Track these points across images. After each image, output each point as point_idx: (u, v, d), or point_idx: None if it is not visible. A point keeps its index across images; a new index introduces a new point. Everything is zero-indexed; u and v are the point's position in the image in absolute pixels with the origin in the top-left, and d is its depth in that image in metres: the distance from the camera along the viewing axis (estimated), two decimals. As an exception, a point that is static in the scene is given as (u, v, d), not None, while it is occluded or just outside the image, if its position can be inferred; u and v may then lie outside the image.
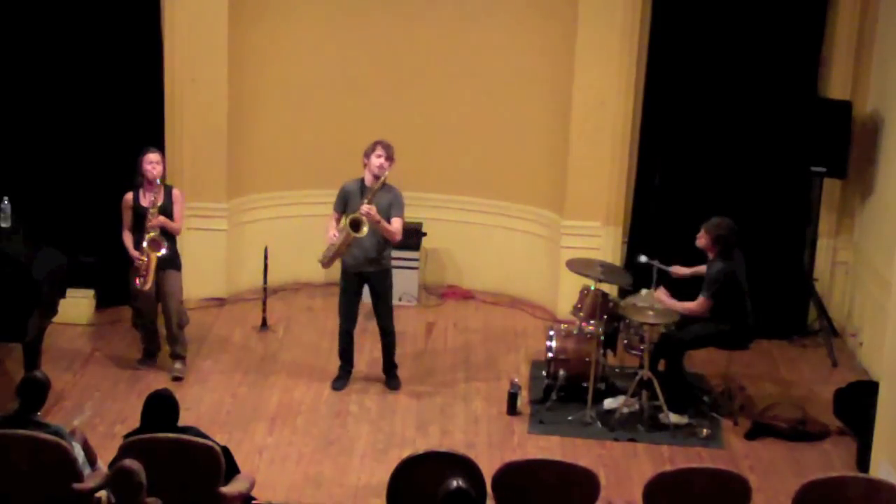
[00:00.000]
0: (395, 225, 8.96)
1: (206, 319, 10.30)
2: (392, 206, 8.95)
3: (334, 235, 8.97)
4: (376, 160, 8.89)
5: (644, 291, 9.04)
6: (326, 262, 9.13)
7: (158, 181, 9.02)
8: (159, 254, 8.99)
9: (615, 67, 10.25)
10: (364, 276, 9.11)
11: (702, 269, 8.96)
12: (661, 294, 8.92)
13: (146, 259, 8.99)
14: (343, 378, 9.36)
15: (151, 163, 9.04)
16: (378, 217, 8.84)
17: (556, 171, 10.61)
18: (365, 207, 8.81)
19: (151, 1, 10.08)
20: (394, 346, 9.37)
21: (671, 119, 10.30)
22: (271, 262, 10.29)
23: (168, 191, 9.14)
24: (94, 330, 10.06)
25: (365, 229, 8.82)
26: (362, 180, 9.01)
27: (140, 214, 9.05)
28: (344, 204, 9.04)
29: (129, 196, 9.13)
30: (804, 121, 10.03)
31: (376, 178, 8.91)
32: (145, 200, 9.07)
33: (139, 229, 9.05)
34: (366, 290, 9.25)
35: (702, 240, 8.82)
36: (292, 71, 10.74)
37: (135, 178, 9.09)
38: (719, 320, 8.80)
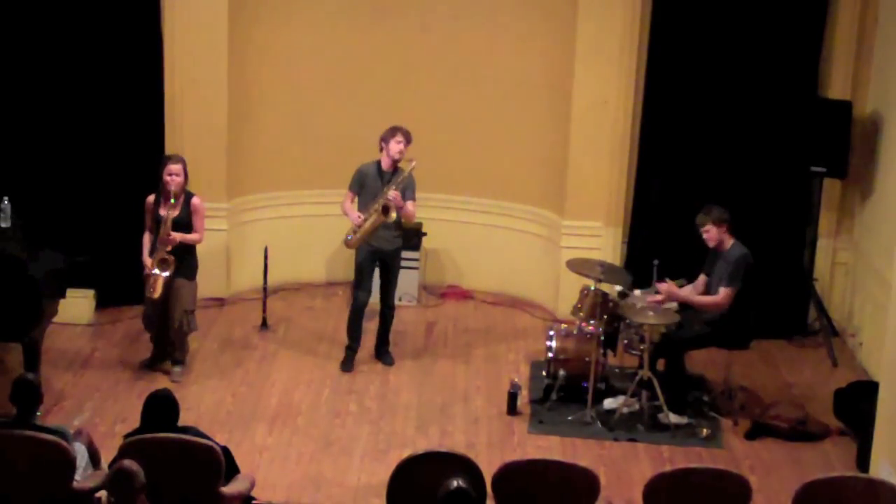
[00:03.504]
0: (411, 207, 9.34)
1: (206, 319, 10.29)
2: (407, 190, 9.28)
3: (359, 217, 9.22)
4: (396, 146, 9.21)
5: (638, 292, 9.04)
6: (353, 243, 9.38)
7: (173, 200, 8.92)
8: (165, 274, 8.95)
9: (615, 67, 10.25)
10: (380, 253, 9.37)
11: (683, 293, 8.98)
12: (671, 287, 8.87)
13: (155, 273, 8.97)
14: (350, 360, 9.55)
15: (171, 174, 8.94)
16: (402, 203, 9.18)
17: (556, 171, 10.61)
18: (392, 193, 9.15)
19: (151, 1, 10.08)
20: (393, 319, 9.63)
21: (671, 119, 10.30)
22: (271, 262, 10.29)
23: (187, 199, 9.04)
24: (94, 330, 10.05)
25: (394, 214, 9.17)
26: (378, 163, 9.29)
27: (158, 221, 9.01)
28: (360, 185, 9.33)
29: (151, 199, 9.07)
30: (804, 121, 10.02)
31: (395, 161, 9.21)
32: (163, 209, 9.00)
33: (158, 234, 9.03)
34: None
35: (711, 233, 8.78)
36: (292, 71, 10.74)
37: (158, 184, 9.02)
38: (721, 317, 8.80)
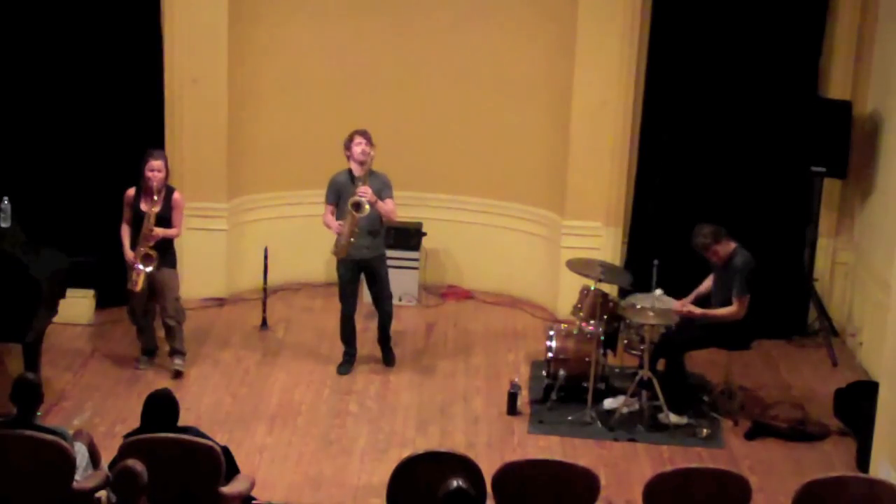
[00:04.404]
0: (391, 204, 9.24)
1: (206, 319, 10.31)
2: (383, 190, 9.21)
3: (340, 225, 9.15)
4: (357, 147, 9.16)
5: (658, 291, 8.98)
6: (340, 251, 9.28)
7: (156, 197, 8.96)
8: (149, 269, 9.00)
9: (615, 67, 10.25)
10: (361, 262, 9.31)
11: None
12: (686, 304, 8.86)
13: (139, 268, 9.01)
14: (348, 363, 9.55)
15: (153, 170, 8.98)
16: (374, 197, 9.09)
17: (556, 171, 10.61)
18: (361, 188, 9.06)
19: (151, 1, 10.08)
20: (390, 322, 9.58)
21: (671, 119, 10.30)
22: (271, 262, 10.29)
23: (168, 194, 9.09)
24: (94, 330, 10.06)
25: (367, 208, 9.06)
26: (350, 171, 9.23)
27: (138, 216, 9.06)
28: (336, 195, 9.26)
29: (132, 193, 9.12)
30: (804, 121, 10.02)
31: (362, 164, 9.15)
32: (145, 205, 9.05)
33: (136, 228, 9.07)
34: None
35: (718, 252, 8.75)
36: (292, 70, 10.74)
37: (140, 177, 9.07)
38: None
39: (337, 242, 9.25)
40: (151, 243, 9.01)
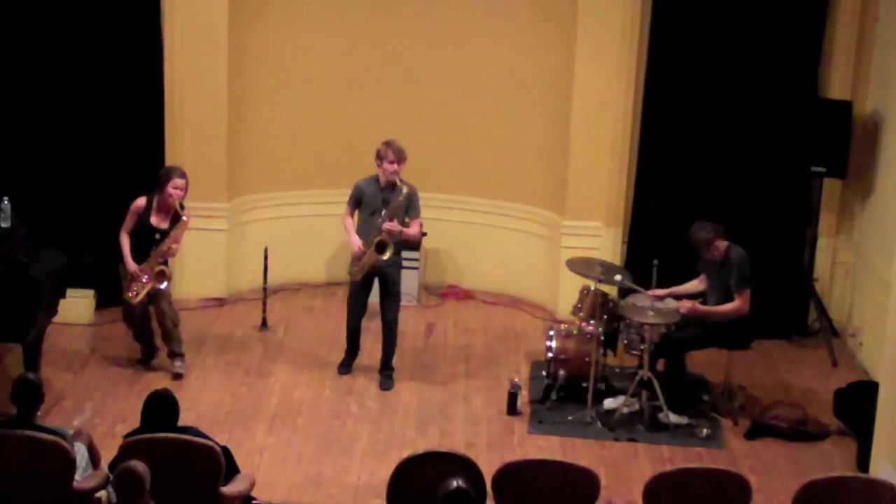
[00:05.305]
0: (416, 228, 9.20)
1: (206, 319, 10.30)
2: (410, 208, 9.13)
3: (360, 249, 9.05)
4: (389, 167, 9.05)
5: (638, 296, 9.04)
6: (356, 275, 9.20)
7: (184, 217, 8.98)
8: (160, 287, 9.02)
9: (615, 67, 10.25)
10: (375, 271, 9.22)
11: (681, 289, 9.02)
12: (695, 305, 8.86)
13: (146, 280, 9.00)
14: (348, 363, 9.49)
15: (176, 188, 9.00)
16: (399, 229, 9.03)
17: (556, 171, 10.61)
18: (387, 226, 8.98)
19: (151, 1, 10.08)
20: (395, 343, 9.41)
21: (671, 119, 10.30)
22: (271, 262, 10.29)
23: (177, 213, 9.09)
24: (94, 330, 10.06)
25: (389, 252, 8.99)
26: (377, 179, 9.15)
27: (144, 227, 9.06)
28: (357, 202, 9.19)
29: (141, 203, 9.10)
30: (804, 121, 10.03)
31: (390, 182, 9.05)
32: (155, 218, 9.06)
33: (139, 240, 9.07)
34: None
35: (721, 247, 8.74)
36: (292, 71, 10.74)
37: (154, 188, 9.07)
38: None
39: (354, 266, 9.15)
40: (164, 259, 9.02)
